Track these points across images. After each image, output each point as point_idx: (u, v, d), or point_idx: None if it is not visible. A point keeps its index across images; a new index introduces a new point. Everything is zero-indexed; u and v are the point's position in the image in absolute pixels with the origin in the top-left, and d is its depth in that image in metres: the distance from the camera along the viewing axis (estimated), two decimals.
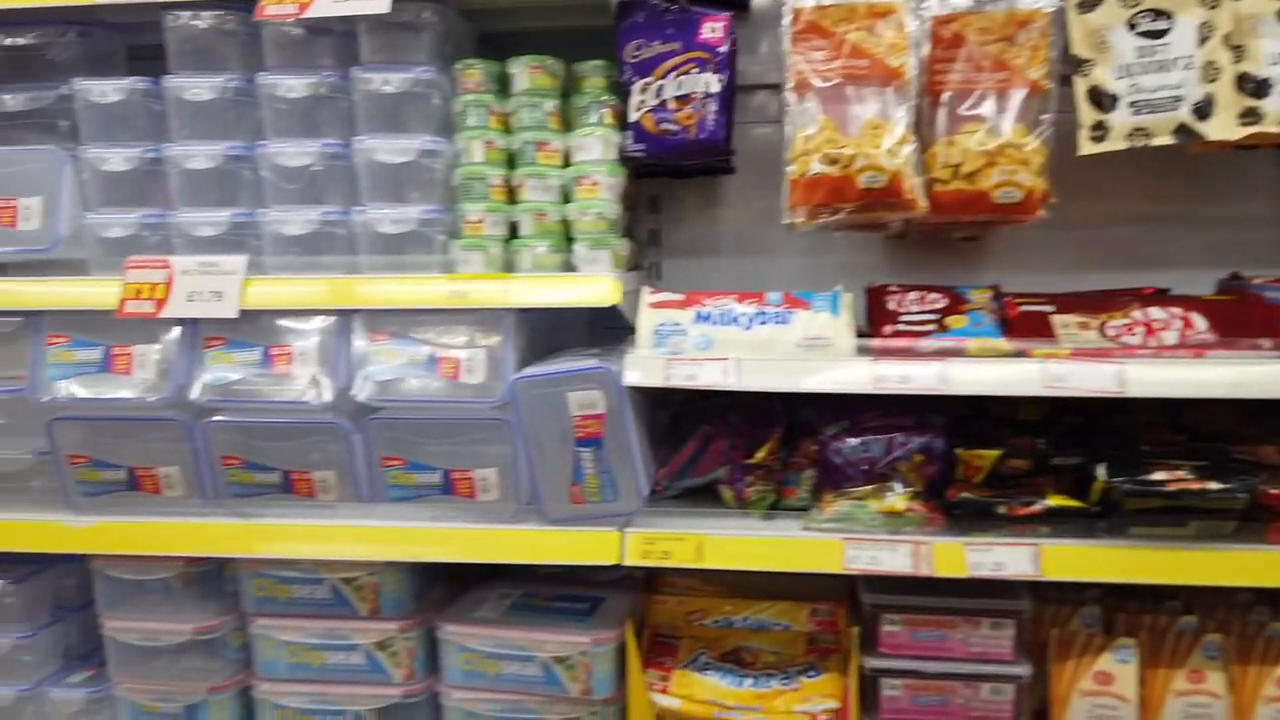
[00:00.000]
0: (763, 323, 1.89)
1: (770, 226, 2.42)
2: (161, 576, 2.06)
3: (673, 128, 1.94)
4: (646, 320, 1.93)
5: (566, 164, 2.02)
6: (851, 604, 2.14)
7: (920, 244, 2.35)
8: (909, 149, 1.77)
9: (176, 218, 2.02)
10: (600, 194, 1.96)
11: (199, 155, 2.00)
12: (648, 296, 1.97)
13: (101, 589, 2.09)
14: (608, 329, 2.40)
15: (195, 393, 1.95)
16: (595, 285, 1.87)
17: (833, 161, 1.75)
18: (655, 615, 2.20)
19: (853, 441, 1.98)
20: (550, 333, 2.15)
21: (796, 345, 1.86)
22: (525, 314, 1.96)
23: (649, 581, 2.24)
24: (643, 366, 1.85)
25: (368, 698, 2.07)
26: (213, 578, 2.10)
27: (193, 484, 2.00)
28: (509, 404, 1.87)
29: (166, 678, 2.09)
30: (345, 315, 1.97)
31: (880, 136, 1.76)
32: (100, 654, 2.19)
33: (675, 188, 2.45)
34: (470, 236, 1.97)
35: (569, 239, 2.02)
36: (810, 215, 1.78)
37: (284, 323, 1.98)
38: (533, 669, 2.02)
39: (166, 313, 1.92)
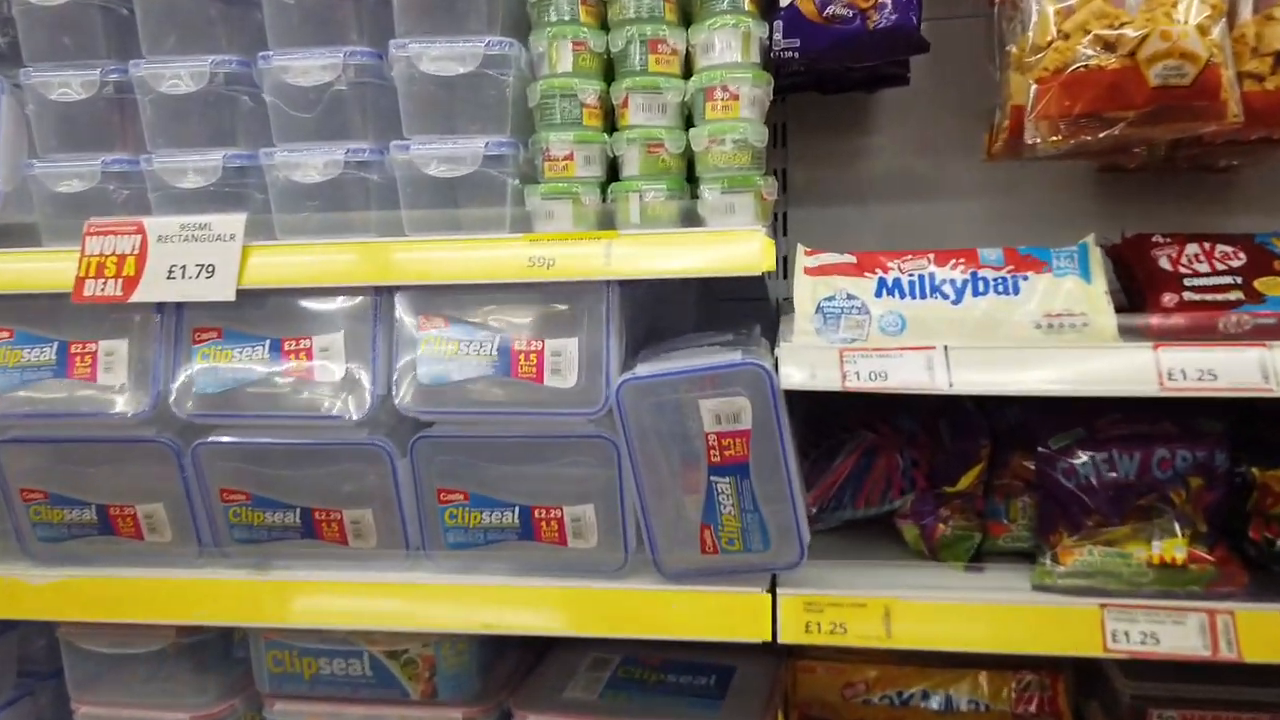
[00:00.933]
0: (979, 293, 1.31)
1: (930, 161, 1.87)
2: (148, 649, 1.55)
3: (844, 12, 1.35)
4: (806, 292, 1.36)
5: (689, 72, 1.42)
6: (1075, 673, 1.58)
7: (1137, 179, 1.76)
8: (1221, 27, 1.18)
9: (152, 163, 1.46)
10: (740, 112, 1.36)
11: (180, 74, 1.44)
12: (804, 258, 1.39)
13: (72, 664, 1.59)
14: (723, 301, 1.86)
15: (182, 404, 1.42)
16: (738, 245, 1.28)
17: (1108, 46, 1.16)
18: (802, 688, 1.64)
19: (1093, 457, 1.39)
20: (652, 310, 1.59)
21: (1034, 325, 1.27)
22: (628, 287, 1.40)
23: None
24: (808, 361, 1.27)
25: None
26: (216, 647, 1.59)
27: (184, 526, 1.47)
28: (614, 416, 1.31)
29: None
30: (384, 293, 1.42)
31: (1179, 7, 1.17)
32: None
33: (806, 111, 1.88)
34: (554, 179, 1.39)
35: (692, 180, 1.43)
36: (1069, 131, 1.19)
37: (301, 305, 1.44)
38: None
39: (140, 295, 1.39)
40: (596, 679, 1.60)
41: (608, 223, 1.41)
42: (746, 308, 1.73)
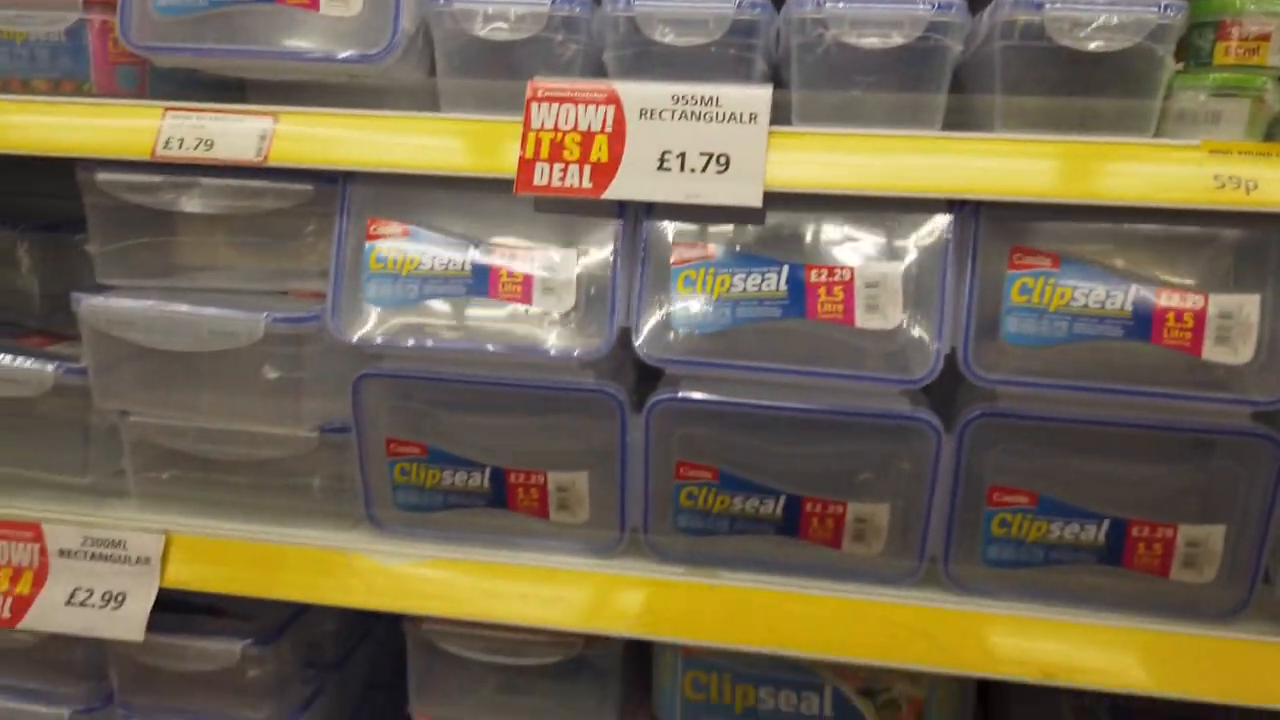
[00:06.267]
0: None
1: None
2: (543, 661, 1.20)
3: None
4: None
5: None
6: None
7: None
8: None
9: (631, 7, 1.03)
10: None
11: None
12: None
13: (424, 669, 1.27)
14: None
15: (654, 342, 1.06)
16: None
17: None
18: None
19: None
20: None
21: None
22: None
23: None
24: None
25: None
26: (623, 663, 1.23)
27: (607, 505, 1.12)
28: None
29: None
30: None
31: None
32: None
33: None
34: (1233, 68, 1.00)
35: None
36: None
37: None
38: None
39: (617, 191, 1.00)
40: None
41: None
42: None
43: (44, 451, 1.31)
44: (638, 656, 1.27)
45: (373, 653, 1.59)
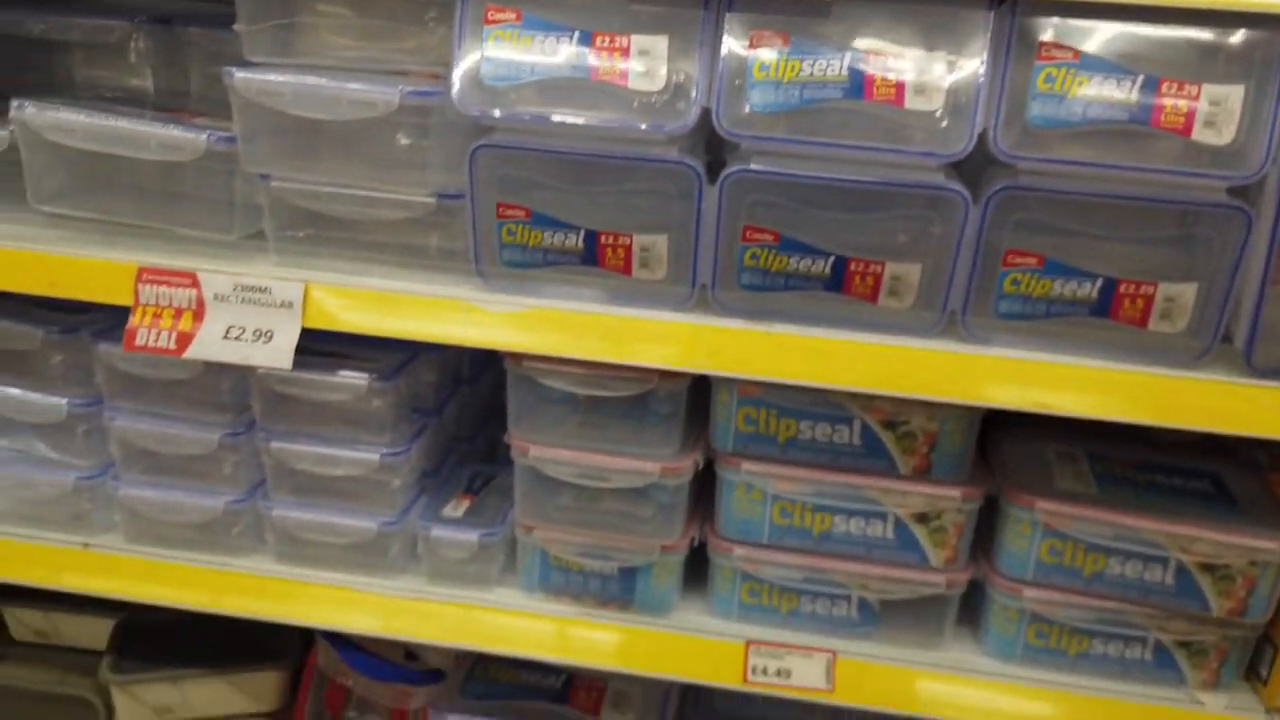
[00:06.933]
0: None
1: None
2: (623, 394, 1.42)
3: None
4: None
5: None
6: None
7: None
8: None
9: None
10: None
11: None
12: None
13: (523, 402, 1.49)
14: None
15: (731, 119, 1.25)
16: None
17: None
18: None
19: None
20: None
21: None
22: None
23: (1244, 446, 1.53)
24: None
25: (886, 582, 1.47)
26: (690, 396, 1.46)
27: (682, 264, 1.33)
28: None
29: (598, 526, 1.51)
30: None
31: None
32: (461, 471, 1.80)
33: None
34: None
35: None
36: None
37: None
38: (1156, 573, 1.37)
39: None
40: (1080, 473, 1.47)
41: None
42: None
43: (195, 213, 1.53)
44: (699, 396, 1.52)
45: (460, 407, 1.86)
